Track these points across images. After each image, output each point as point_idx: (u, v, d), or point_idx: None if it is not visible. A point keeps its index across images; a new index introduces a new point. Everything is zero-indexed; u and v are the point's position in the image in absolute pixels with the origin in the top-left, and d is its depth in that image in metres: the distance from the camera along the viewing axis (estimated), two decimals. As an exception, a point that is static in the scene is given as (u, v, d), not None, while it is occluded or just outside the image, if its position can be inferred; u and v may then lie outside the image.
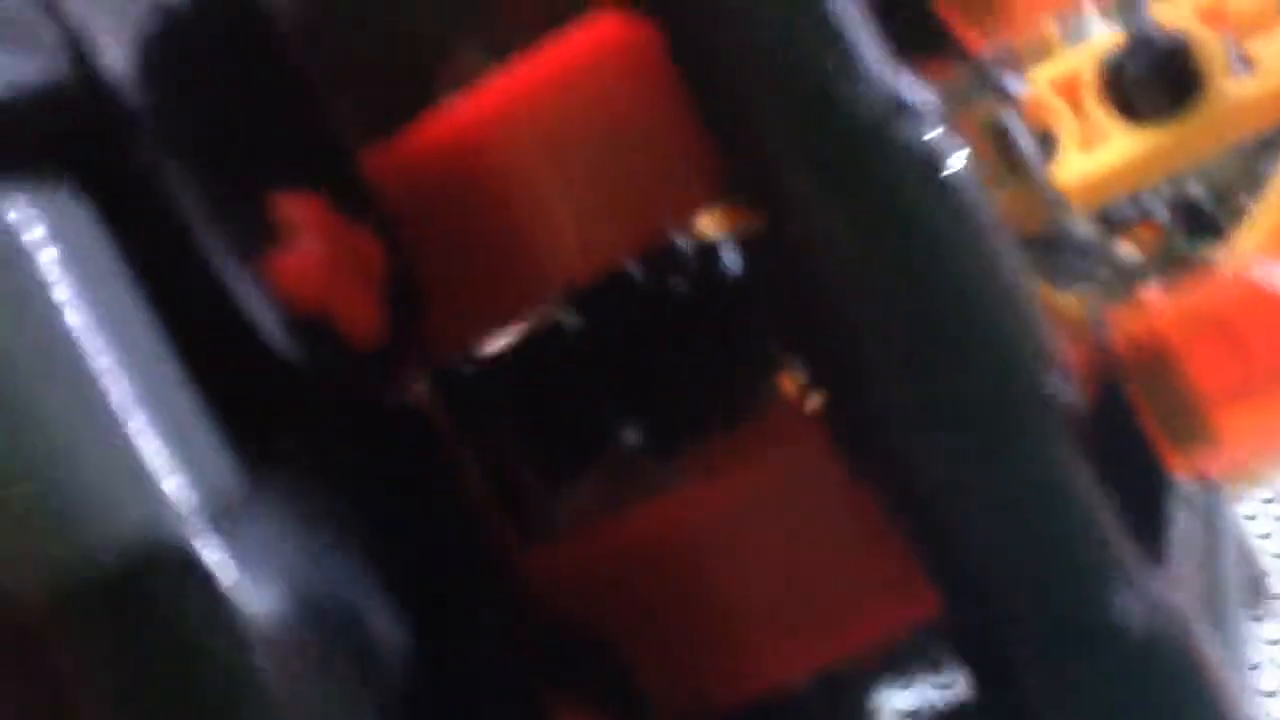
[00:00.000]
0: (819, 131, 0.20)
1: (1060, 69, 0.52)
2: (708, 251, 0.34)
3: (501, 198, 0.25)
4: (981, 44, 0.23)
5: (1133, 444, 0.24)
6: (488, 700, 0.22)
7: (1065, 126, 0.52)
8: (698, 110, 0.22)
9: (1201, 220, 0.65)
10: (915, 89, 0.20)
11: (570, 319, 0.31)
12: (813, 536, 0.25)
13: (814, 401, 0.29)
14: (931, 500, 0.22)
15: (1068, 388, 0.21)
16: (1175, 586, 0.23)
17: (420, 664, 0.20)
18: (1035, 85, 0.53)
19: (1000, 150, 0.33)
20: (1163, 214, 0.66)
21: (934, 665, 0.46)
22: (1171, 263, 0.64)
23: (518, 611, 0.24)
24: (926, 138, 0.20)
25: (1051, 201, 0.39)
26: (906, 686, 0.44)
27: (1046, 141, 0.53)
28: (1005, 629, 0.23)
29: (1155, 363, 0.25)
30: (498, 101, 0.25)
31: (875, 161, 0.20)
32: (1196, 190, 0.64)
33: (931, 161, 0.20)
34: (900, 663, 0.45)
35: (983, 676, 0.24)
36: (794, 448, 0.25)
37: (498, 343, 0.30)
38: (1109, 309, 0.27)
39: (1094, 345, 0.25)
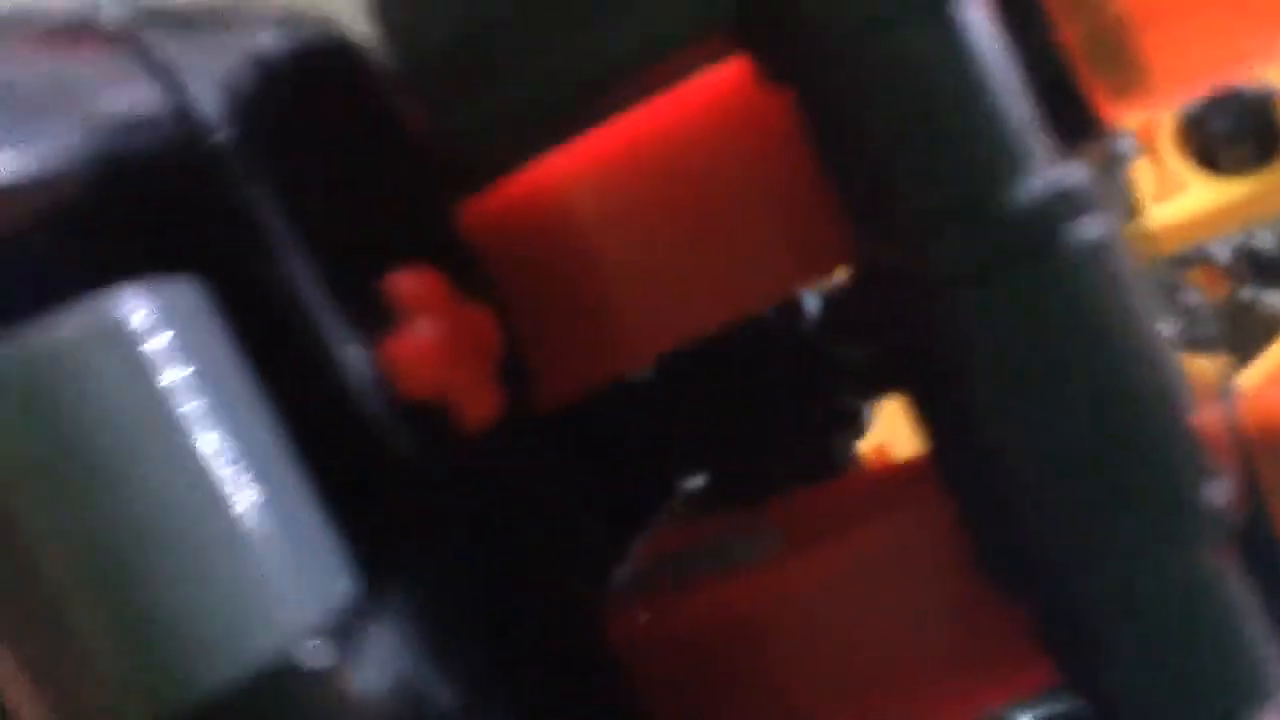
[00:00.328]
0: (981, 225, 0.18)
1: (1138, 117, 0.51)
2: (788, 301, 0.33)
3: (596, 260, 0.24)
4: (1120, 120, 0.22)
5: (1264, 534, 0.23)
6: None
7: (1141, 175, 0.51)
8: (827, 183, 0.21)
9: (1267, 268, 0.64)
10: (1076, 176, 0.19)
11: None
12: (916, 610, 0.24)
13: (903, 467, 0.28)
14: (1074, 609, 0.21)
15: (1222, 493, 0.20)
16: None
17: None
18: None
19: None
20: (1224, 258, 0.65)
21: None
22: (1235, 310, 0.63)
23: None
24: (1092, 230, 0.18)
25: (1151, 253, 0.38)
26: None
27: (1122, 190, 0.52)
28: None
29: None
30: (601, 156, 0.24)
31: (1041, 258, 0.18)
32: (1263, 238, 0.63)
33: (1099, 255, 0.18)
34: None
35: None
36: (902, 514, 0.24)
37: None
38: (1237, 380, 0.25)
39: (1225, 423, 0.24)
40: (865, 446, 0.41)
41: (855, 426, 0.35)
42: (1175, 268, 0.61)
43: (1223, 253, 0.64)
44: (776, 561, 0.25)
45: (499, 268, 0.24)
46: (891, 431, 0.37)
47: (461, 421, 0.19)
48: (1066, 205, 0.18)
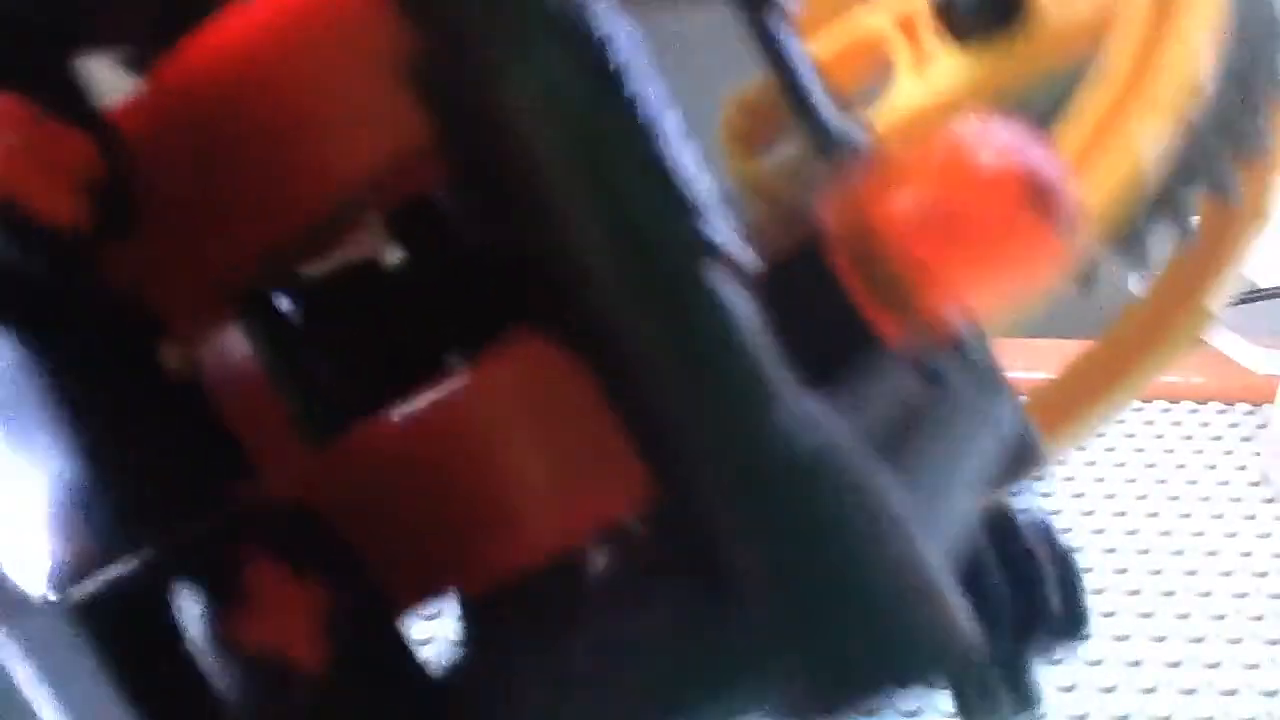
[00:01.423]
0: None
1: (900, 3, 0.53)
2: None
3: (276, 109, 0.26)
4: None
5: (827, 301, 0.25)
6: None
7: (900, 54, 0.52)
8: None
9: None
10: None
11: (390, 254, 0.32)
12: (537, 428, 0.26)
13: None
14: (603, 349, 0.23)
15: (725, 233, 0.23)
16: (852, 420, 0.24)
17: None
18: (877, 18, 0.54)
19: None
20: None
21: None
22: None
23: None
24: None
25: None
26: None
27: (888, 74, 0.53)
28: (673, 453, 0.24)
29: (861, 228, 0.25)
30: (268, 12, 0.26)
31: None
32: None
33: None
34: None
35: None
36: (521, 347, 0.27)
37: (315, 274, 0.31)
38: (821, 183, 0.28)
39: (796, 211, 0.26)
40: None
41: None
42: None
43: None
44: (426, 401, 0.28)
45: (193, 126, 0.26)
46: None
47: (35, 217, 0.22)
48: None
